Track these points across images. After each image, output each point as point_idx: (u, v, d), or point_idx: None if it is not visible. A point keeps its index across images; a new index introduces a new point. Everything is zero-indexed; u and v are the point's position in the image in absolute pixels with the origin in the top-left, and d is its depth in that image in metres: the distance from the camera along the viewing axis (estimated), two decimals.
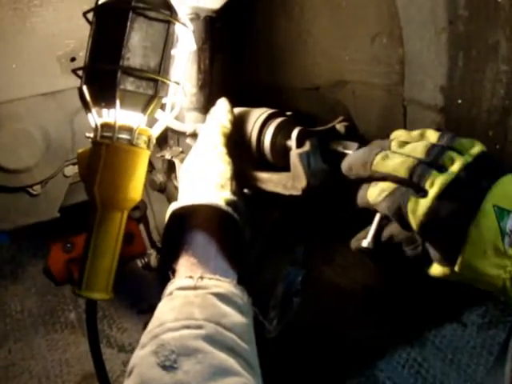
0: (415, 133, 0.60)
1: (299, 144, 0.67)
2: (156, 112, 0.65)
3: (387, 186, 0.54)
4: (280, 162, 0.76)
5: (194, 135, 0.82)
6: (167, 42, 0.63)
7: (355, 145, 0.68)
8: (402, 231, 0.56)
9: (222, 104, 0.74)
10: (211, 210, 0.61)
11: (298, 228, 0.80)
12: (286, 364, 1.25)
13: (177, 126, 0.80)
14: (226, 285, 0.56)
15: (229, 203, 0.62)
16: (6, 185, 0.99)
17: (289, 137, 0.75)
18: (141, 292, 1.55)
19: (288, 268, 0.82)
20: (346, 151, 0.68)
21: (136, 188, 0.65)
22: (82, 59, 0.91)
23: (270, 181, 0.71)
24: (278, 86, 1.18)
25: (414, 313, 1.37)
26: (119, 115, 0.62)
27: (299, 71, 1.18)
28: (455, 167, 0.51)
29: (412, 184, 0.52)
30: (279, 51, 1.13)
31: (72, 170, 1.10)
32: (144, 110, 0.63)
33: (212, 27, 0.80)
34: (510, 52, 0.84)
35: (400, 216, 0.52)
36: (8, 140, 0.93)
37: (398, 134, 0.60)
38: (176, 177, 0.85)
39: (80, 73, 0.65)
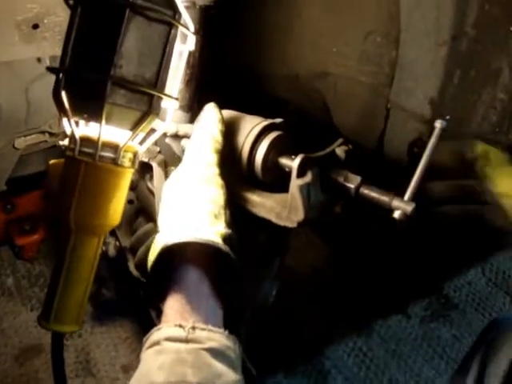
0: None
1: (300, 173, 0.62)
2: (147, 129, 0.57)
3: None
4: (270, 180, 0.71)
5: (176, 136, 0.74)
6: (167, 47, 0.54)
7: (358, 178, 0.64)
8: None
9: (212, 112, 0.66)
10: (206, 247, 0.55)
11: (278, 245, 0.77)
12: None
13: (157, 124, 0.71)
14: (219, 337, 0.52)
15: (225, 239, 0.56)
16: None
17: (281, 154, 0.70)
18: None
19: (264, 282, 0.79)
20: (348, 184, 0.64)
21: (117, 212, 0.57)
22: (46, 26, 0.79)
23: (262, 206, 0.66)
24: (258, 71, 1.10)
25: (361, 302, 1.41)
26: (104, 131, 0.53)
27: (281, 58, 1.10)
28: None
29: None
30: (264, 36, 1.05)
31: (24, 142, 0.98)
32: (134, 128, 0.54)
33: (207, 16, 0.71)
34: (511, 82, 0.81)
35: None
36: None
37: None
38: (150, 178, 0.77)
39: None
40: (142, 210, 0.85)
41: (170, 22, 0.53)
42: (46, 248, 1.48)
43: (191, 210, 0.58)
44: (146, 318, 1.20)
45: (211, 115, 0.65)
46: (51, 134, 1.00)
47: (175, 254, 0.56)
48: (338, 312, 1.39)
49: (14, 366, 1.25)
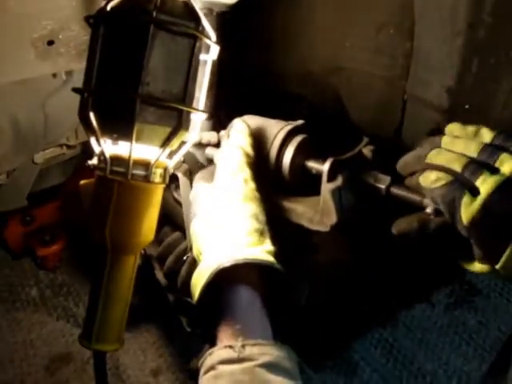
0: (470, 129, 0.57)
1: (330, 177, 0.62)
2: (177, 144, 0.56)
3: (445, 176, 0.52)
4: (297, 182, 0.71)
5: (199, 144, 0.74)
6: (192, 60, 0.53)
7: (387, 178, 0.63)
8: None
9: (240, 126, 0.66)
10: (258, 266, 0.55)
11: (307, 247, 0.76)
12: None
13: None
14: (271, 349, 0.51)
15: (275, 256, 0.56)
16: None
17: (307, 157, 0.69)
18: None
19: (296, 284, 0.79)
20: (378, 185, 0.63)
21: (151, 227, 0.57)
22: (61, 42, 0.78)
23: (294, 212, 0.66)
24: (272, 70, 1.09)
25: (384, 293, 1.41)
26: (135, 149, 0.53)
27: (294, 55, 1.09)
28: (506, 169, 0.50)
29: (464, 179, 0.51)
30: (277, 34, 1.04)
31: (42, 157, 0.99)
32: (164, 144, 0.54)
33: (223, 22, 0.70)
34: None
35: (451, 208, 0.51)
36: None
37: (452, 129, 0.57)
38: (176, 188, 0.77)
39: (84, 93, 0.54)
40: (168, 220, 0.85)
41: (195, 34, 0.53)
42: (67, 257, 1.49)
43: (236, 227, 0.57)
44: (172, 323, 1.20)
45: (240, 129, 0.66)
46: (69, 147, 1.00)
47: (227, 275, 0.54)
48: (362, 304, 1.38)
49: (45, 375, 1.26)
